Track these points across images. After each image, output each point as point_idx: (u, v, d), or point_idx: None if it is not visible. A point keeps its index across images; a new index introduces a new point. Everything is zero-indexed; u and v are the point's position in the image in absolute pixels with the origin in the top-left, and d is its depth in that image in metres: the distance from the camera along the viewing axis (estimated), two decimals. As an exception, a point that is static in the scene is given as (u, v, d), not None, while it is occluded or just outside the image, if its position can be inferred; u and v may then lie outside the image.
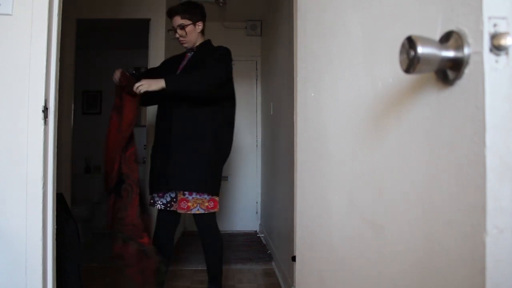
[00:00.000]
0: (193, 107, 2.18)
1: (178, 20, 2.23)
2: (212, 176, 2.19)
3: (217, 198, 2.23)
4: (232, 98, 2.31)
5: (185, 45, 2.29)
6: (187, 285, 2.77)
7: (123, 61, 4.67)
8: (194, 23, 2.24)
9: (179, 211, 2.22)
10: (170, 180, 2.18)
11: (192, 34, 2.26)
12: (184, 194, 2.20)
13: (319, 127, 1.06)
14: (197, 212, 2.19)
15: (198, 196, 2.19)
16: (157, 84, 2.01)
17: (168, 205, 2.27)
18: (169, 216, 2.29)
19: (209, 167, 2.18)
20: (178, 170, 2.17)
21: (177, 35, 2.27)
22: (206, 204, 2.19)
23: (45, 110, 1.39)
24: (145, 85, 1.99)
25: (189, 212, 2.20)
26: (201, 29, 2.29)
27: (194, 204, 2.19)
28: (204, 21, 2.30)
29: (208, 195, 2.19)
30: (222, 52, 2.21)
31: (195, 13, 2.25)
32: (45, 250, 1.39)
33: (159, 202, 2.29)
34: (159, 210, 2.32)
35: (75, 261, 1.90)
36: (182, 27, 2.23)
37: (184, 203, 2.19)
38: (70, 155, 3.33)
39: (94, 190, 4.50)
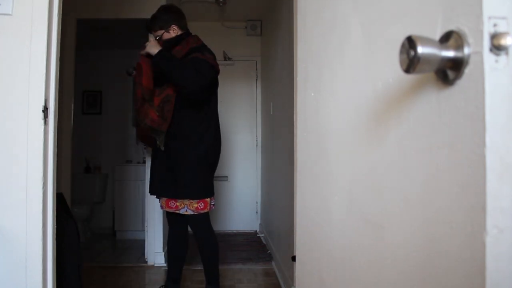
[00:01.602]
0: (176, 113, 2.19)
1: (154, 34, 2.30)
2: (194, 182, 2.19)
3: (207, 200, 2.24)
4: (210, 104, 2.28)
5: None
6: (187, 284, 2.77)
7: (123, 61, 4.66)
8: (167, 30, 2.27)
9: (167, 209, 2.26)
10: (159, 187, 2.26)
11: (170, 40, 2.28)
12: None
13: (319, 127, 1.06)
14: (186, 213, 2.21)
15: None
16: (153, 49, 2.16)
17: (162, 204, 2.33)
18: (174, 215, 2.32)
19: (192, 173, 2.19)
20: (163, 179, 2.22)
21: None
22: (195, 205, 2.21)
23: (45, 110, 1.39)
24: (148, 46, 2.19)
25: (177, 211, 2.23)
26: (177, 31, 2.29)
27: (182, 204, 2.21)
28: (177, 23, 2.28)
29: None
30: (203, 62, 2.15)
31: (164, 20, 2.26)
32: (45, 250, 1.39)
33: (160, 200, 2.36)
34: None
35: (75, 261, 1.90)
36: (160, 38, 2.28)
37: (172, 202, 2.24)
38: (70, 155, 3.33)
39: (94, 190, 4.50)
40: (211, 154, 2.27)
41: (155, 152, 2.31)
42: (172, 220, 2.39)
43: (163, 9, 2.33)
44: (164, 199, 2.28)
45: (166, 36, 2.27)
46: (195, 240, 2.33)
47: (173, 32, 2.27)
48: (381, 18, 0.72)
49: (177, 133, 2.18)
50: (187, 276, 2.90)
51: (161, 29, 2.26)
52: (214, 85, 2.27)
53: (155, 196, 2.40)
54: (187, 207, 2.20)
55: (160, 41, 2.28)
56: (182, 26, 2.31)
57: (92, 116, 4.80)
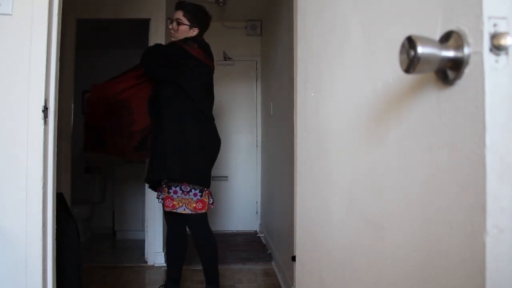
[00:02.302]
0: (170, 103, 2.21)
1: (179, 15, 2.29)
2: (188, 165, 2.17)
3: (206, 200, 2.24)
4: (192, 93, 2.27)
5: (172, 38, 2.35)
6: (187, 284, 2.77)
7: (123, 61, 4.65)
8: (190, 26, 2.29)
9: (165, 209, 2.25)
10: (155, 171, 2.24)
11: (182, 33, 2.30)
12: (169, 193, 2.22)
13: (319, 127, 1.06)
14: (183, 212, 2.20)
15: (183, 196, 2.20)
16: None
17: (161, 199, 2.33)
18: (173, 214, 2.31)
19: (186, 158, 2.16)
20: (158, 161, 2.22)
21: (170, 26, 2.34)
22: (194, 205, 2.20)
23: (45, 110, 1.39)
24: None
25: (174, 210, 2.22)
26: (194, 35, 2.31)
27: (180, 203, 2.20)
28: (200, 29, 2.33)
29: (194, 195, 2.21)
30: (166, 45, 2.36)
31: (197, 18, 2.30)
32: (45, 250, 1.39)
33: (160, 197, 2.34)
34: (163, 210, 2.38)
35: (75, 261, 1.90)
36: (179, 23, 2.28)
37: (169, 201, 2.22)
38: (70, 155, 3.33)
39: (94, 190, 4.50)
40: (208, 147, 2.27)
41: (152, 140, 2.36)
42: (171, 220, 2.38)
43: (204, 11, 2.37)
44: (162, 197, 2.28)
45: (184, 29, 2.29)
46: (193, 241, 2.32)
47: (191, 33, 2.31)
48: (381, 18, 0.72)
49: (169, 126, 2.20)
50: (187, 276, 2.90)
51: (189, 21, 2.29)
52: (181, 67, 2.23)
53: (156, 195, 2.40)
54: (185, 206, 2.20)
55: (180, 25, 2.30)
56: (201, 33, 2.37)
57: (92, 116, 4.80)
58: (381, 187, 0.70)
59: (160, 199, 2.35)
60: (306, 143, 1.17)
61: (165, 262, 3.20)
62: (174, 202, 2.21)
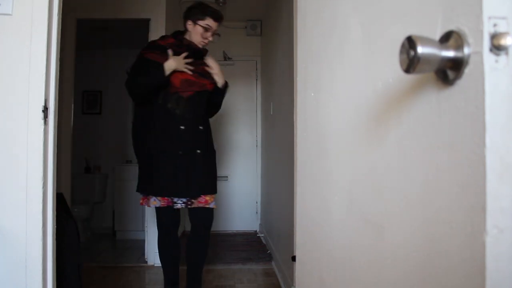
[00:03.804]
0: (197, 116, 2.30)
1: (216, 27, 2.31)
2: (216, 177, 2.46)
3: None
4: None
5: (203, 45, 2.33)
6: (184, 284, 2.76)
7: (123, 61, 4.66)
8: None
9: (199, 205, 2.31)
10: (193, 187, 2.26)
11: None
12: None
13: (318, 127, 1.06)
14: (214, 207, 2.37)
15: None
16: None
17: (189, 203, 2.29)
18: (176, 215, 2.38)
19: (215, 170, 2.45)
20: (198, 179, 2.29)
21: (211, 38, 2.32)
22: (214, 200, 2.38)
23: (45, 110, 1.39)
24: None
25: (207, 205, 2.33)
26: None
27: (211, 199, 2.35)
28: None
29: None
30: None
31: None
32: (45, 250, 1.39)
33: (179, 201, 2.29)
34: (161, 209, 2.34)
35: (75, 261, 1.90)
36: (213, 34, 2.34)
37: (202, 197, 2.32)
38: (70, 155, 3.33)
39: (94, 190, 4.50)
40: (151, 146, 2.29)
41: (164, 157, 2.26)
42: (170, 221, 2.37)
43: None
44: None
45: None
46: (199, 240, 2.35)
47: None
48: (381, 18, 0.72)
49: (201, 139, 2.35)
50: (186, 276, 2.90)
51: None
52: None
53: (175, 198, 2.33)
54: (214, 202, 2.36)
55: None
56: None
57: (92, 116, 4.80)
58: (381, 187, 0.70)
59: (179, 203, 2.27)
60: (306, 143, 1.17)
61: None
62: (207, 198, 2.30)
